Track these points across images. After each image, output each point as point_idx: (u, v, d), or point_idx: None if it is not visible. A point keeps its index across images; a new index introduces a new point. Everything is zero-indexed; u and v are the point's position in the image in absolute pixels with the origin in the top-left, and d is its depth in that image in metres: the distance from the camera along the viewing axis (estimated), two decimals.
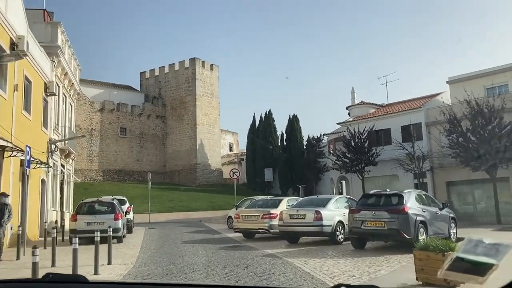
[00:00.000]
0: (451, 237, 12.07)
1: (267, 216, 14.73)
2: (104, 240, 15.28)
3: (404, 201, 10.90)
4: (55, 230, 9.89)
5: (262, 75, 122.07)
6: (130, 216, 19.31)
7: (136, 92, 55.16)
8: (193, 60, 52.36)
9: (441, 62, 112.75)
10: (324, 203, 13.44)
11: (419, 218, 10.78)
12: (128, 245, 14.34)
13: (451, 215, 12.82)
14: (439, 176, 28.92)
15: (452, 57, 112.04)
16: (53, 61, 19.25)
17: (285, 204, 15.66)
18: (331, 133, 36.01)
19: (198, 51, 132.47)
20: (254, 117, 53.04)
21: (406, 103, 34.37)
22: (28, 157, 11.44)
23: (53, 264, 9.40)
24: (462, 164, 24.84)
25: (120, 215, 14.57)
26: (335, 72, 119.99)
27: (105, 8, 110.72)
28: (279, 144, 51.24)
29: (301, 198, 16.10)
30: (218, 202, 40.46)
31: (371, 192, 12.25)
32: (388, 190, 12.69)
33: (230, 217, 21.13)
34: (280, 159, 49.32)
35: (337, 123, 34.33)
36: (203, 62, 53.35)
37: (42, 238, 16.49)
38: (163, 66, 55.08)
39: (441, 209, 12.35)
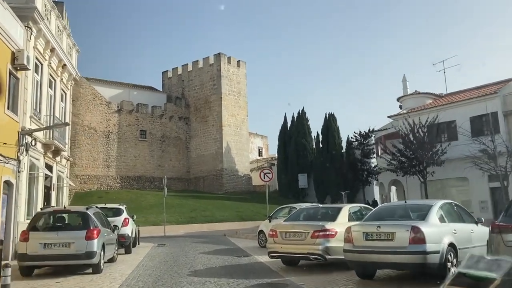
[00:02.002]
0: None
1: (321, 234, 9.36)
2: (73, 269, 10.44)
3: None
4: None
5: (293, 73, 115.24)
6: (128, 230, 14.36)
7: (157, 92, 50.98)
8: (218, 56, 47.74)
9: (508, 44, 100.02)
10: (421, 214, 7.99)
11: None
12: (105, 278, 9.30)
13: None
14: None
15: None
16: (28, 27, 14.70)
17: (346, 214, 10.29)
18: (381, 129, 30.28)
19: (224, 49, 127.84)
20: (285, 117, 47.95)
21: (471, 91, 28.33)
22: None
23: None
24: None
25: (96, 231, 9.58)
26: (379, 62, 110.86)
27: (123, 7, 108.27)
28: (314, 146, 45.86)
29: (373, 207, 10.59)
30: (247, 211, 35.38)
31: None
32: None
33: (261, 231, 15.89)
34: (316, 163, 43.86)
35: (388, 117, 28.62)
36: (229, 58, 48.66)
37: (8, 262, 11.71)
38: (186, 64, 50.78)
39: None
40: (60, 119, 18.69)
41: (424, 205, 8.51)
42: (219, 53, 47.78)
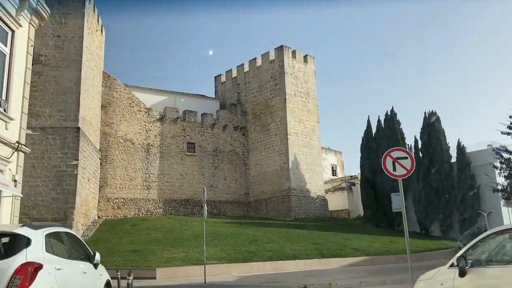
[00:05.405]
0: None
1: None
2: None
3: None
4: None
5: (372, 71, 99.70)
6: None
7: (209, 99, 42.50)
8: (280, 50, 38.56)
9: None
10: None
11: None
12: None
13: None
14: None
15: None
16: None
17: None
18: None
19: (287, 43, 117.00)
20: (368, 121, 37.15)
21: None
22: None
23: None
24: None
25: None
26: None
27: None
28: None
29: None
30: (328, 244, 24.85)
31: None
32: None
33: None
34: (416, 177, 32.52)
35: None
36: (293, 51, 39.33)
37: None
38: (242, 65, 42.12)
39: None
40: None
41: None
42: (281, 46, 38.60)
